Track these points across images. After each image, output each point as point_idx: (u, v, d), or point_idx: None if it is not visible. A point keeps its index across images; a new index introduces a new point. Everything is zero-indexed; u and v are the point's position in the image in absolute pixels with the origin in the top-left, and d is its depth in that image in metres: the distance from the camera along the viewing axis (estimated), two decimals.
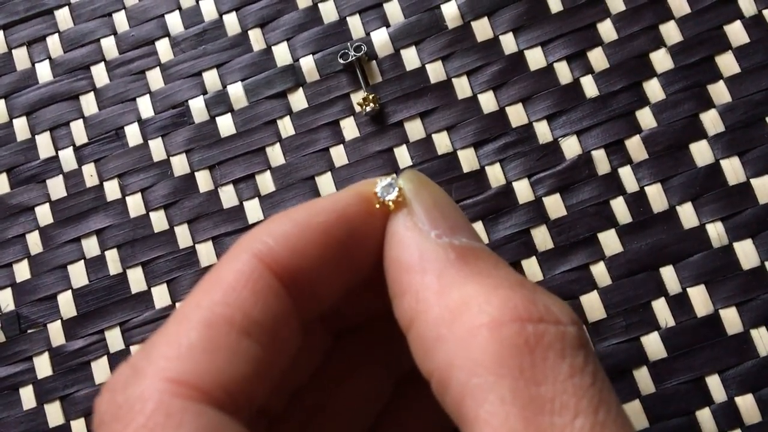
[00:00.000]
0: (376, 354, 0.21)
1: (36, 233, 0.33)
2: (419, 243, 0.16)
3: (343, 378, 0.20)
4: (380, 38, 0.33)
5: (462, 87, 0.32)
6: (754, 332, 0.29)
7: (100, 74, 0.34)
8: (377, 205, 0.17)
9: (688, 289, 0.30)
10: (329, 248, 0.16)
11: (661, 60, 0.32)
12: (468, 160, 0.32)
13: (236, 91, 0.33)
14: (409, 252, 0.16)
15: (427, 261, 0.15)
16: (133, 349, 0.32)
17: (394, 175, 0.17)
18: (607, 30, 0.32)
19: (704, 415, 0.29)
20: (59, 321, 0.32)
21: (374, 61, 0.33)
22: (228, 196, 0.33)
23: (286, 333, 0.15)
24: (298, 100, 0.33)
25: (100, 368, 0.32)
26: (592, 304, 0.30)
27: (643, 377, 0.29)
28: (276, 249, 0.15)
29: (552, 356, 0.13)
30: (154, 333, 0.15)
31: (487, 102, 0.32)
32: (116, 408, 0.13)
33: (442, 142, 0.32)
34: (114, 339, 0.32)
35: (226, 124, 0.33)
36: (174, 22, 0.34)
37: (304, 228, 0.16)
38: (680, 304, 0.30)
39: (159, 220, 0.33)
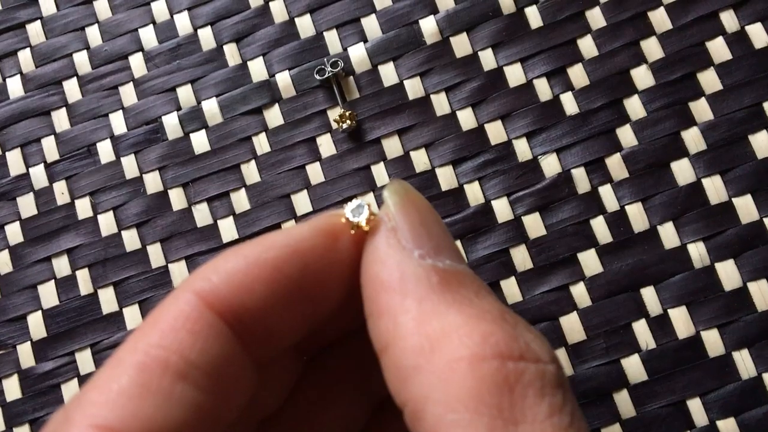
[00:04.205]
0: (351, 377, 0.20)
1: (6, 252, 0.32)
2: (401, 262, 0.15)
3: (317, 403, 0.20)
4: (357, 54, 0.33)
5: (440, 103, 0.32)
6: (736, 355, 0.29)
7: (72, 89, 0.34)
8: (352, 230, 0.16)
9: (669, 311, 0.29)
10: (280, 286, 0.15)
11: (643, 77, 0.31)
12: (446, 178, 0.31)
13: (211, 107, 0.33)
14: (390, 271, 0.15)
15: (408, 283, 0.15)
16: None
17: (358, 199, 0.17)
18: (587, 46, 0.32)
19: None
20: (29, 342, 0.32)
21: (351, 77, 0.32)
22: (202, 215, 0.32)
23: (232, 375, 0.15)
24: (273, 116, 0.32)
25: (70, 391, 0.31)
26: (572, 326, 0.29)
27: (623, 400, 0.29)
28: (219, 286, 0.14)
29: (531, 395, 0.13)
30: (91, 378, 0.14)
31: (466, 119, 0.32)
32: None
33: (420, 160, 0.31)
34: (85, 361, 0.31)
35: (200, 141, 0.33)
36: (148, 36, 0.34)
37: (252, 264, 0.15)
38: (661, 325, 0.29)
39: (131, 239, 0.32)
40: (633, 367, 0.29)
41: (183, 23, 0.34)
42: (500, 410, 0.13)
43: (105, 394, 0.13)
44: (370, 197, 0.31)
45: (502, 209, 0.31)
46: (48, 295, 0.32)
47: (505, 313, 0.15)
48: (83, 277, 0.32)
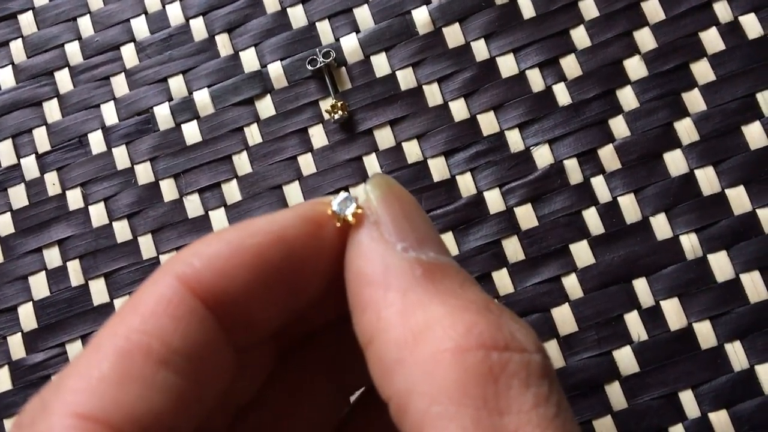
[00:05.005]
0: (330, 367, 0.20)
1: None
2: (384, 256, 0.15)
3: (295, 392, 0.20)
4: (350, 44, 0.32)
5: (433, 94, 0.32)
6: (728, 346, 0.28)
7: (63, 80, 0.34)
8: (338, 223, 0.16)
9: (661, 302, 0.29)
10: (262, 272, 0.15)
11: (636, 67, 0.31)
12: (438, 169, 0.31)
13: (202, 98, 0.33)
14: (373, 265, 0.15)
15: (392, 276, 0.15)
16: None
17: (345, 193, 0.16)
18: (580, 37, 0.31)
19: None
20: (20, 333, 0.31)
21: (343, 68, 0.32)
22: (193, 206, 0.32)
23: (213, 361, 0.14)
24: (265, 107, 0.32)
25: None
26: (564, 317, 0.29)
27: (615, 392, 0.29)
28: (201, 271, 0.14)
29: (516, 385, 0.13)
30: (68, 363, 0.14)
31: (458, 110, 0.31)
32: None
33: (412, 151, 0.31)
34: (75, 352, 0.31)
35: (191, 132, 0.32)
36: (140, 26, 0.34)
37: (234, 249, 0.15)
38: (653, 317, 0.29)
39: (122, 230, 0.32)
40: (625, 358, 0.29)
41: (175, 14, 0.34)
42: (485, 401, 0.13)
43: (85, 381, 0.13)
44: (360, 189, 0.31)
45: (494, 200, 0.30)
46: (39, 286, 0.32)
47: (489, 304, 0.14)
48: (74, 268, 0.32)
